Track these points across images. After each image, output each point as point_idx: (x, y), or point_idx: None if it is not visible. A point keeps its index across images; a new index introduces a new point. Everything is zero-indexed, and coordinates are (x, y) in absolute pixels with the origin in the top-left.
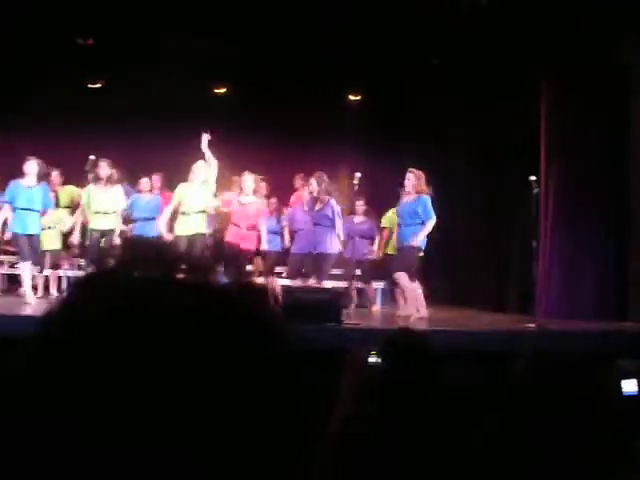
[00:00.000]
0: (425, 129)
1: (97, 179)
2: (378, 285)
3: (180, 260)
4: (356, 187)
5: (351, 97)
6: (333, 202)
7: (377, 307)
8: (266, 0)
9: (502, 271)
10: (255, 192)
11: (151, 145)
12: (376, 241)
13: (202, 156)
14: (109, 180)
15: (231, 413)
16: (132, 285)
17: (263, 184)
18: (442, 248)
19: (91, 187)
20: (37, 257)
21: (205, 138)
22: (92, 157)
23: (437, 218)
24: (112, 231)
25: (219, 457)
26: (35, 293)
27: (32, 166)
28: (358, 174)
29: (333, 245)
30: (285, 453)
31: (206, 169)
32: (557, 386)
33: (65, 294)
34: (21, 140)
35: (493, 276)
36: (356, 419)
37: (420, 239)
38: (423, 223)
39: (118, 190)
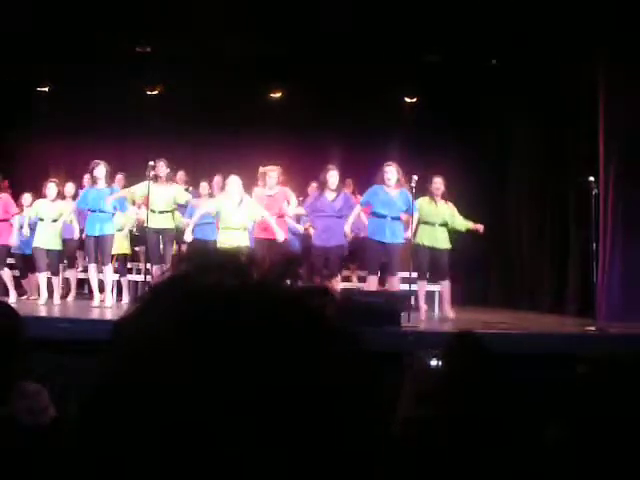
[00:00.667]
0: (485, 130)
1: (156, 178)
2: (437, 288)
3: (252, 266)
4: (413, 189)
5: (407, 99)
6: None
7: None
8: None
9: (561, 273)
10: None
11: (210, 149)
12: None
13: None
14: (168, 179)
15: (320, 419)
16: (207, 292)
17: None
18: (499, 249)
19: (150, 185)
20: (106, 259)
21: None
22: (151, 162)
23: (496, 220)
24: (169, 230)
25: (307, 465)
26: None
27: (101, 170)
28: (415, 176)
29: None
30: (369, 456)
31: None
32: (622, 390)
33: (138, 300)
34: (85, 145)
35: (551, 278)
36: (417, 422)
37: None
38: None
39: (176, 189)
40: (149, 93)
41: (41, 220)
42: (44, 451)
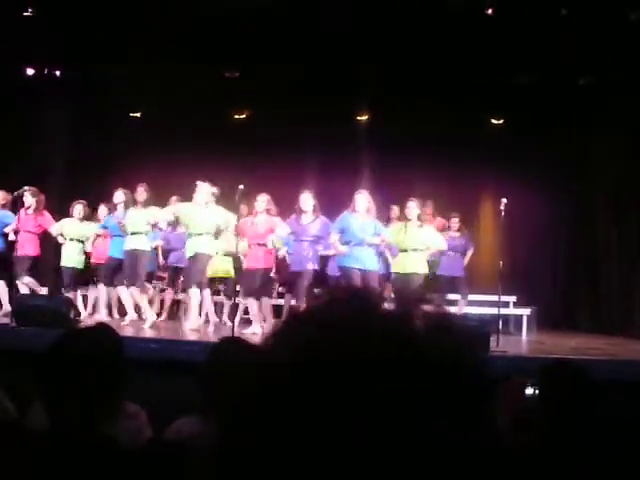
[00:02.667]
0: (569, 153)
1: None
2: (524, 312)
3: (379, 301)
4: (502, 212)
5: (493, 121)
6: None
7: None
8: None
9: None
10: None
11: (296, 174)
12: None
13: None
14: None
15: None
16: (344, 319)
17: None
18: (586, 273)
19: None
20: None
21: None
22: (241, 187)
23: (583, 244)
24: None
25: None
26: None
27: (119, 195)
28: (504, 200)
29: None
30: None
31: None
32: None
33: (282, 324)
34: (175, 168)
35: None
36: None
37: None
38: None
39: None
40: (237, 117)
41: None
42: (141, 472)
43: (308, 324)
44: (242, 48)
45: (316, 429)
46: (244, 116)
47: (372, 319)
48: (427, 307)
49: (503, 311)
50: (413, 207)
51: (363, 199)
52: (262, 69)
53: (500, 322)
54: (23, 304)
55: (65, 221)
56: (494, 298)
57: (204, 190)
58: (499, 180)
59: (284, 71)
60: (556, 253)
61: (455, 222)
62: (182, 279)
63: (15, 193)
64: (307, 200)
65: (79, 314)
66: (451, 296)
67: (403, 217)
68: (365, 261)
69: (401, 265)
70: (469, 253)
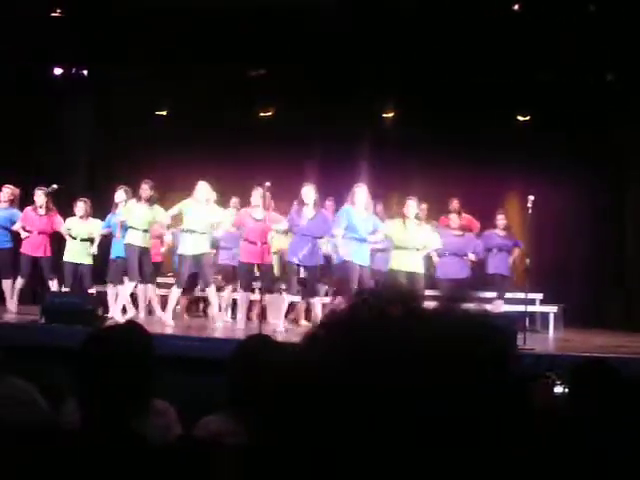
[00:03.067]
0: (597, 150)
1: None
2: (552, 309)
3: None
4: (529, 210)
5: (520, 117)
6: None
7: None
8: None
9: None
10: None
11: (324, 170)
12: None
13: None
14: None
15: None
16: (384, 320)
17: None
18: (615, 270)
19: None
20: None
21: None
22: (268, 184)
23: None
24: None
25: None
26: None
27: (120, 194)
28: (531, 197)
29: None
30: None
31: None
32: None
33: (321, 325)
34: (202, 167)
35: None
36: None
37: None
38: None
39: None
40: (262, 115)
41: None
42: (170, 469)
43: (348, 325)
44: (268, 47)
45: (349, 432)
46: (270, 114)
47: (414, 322)
48: (466, 305)
49: (530, 309)
50: (412, 205)
51: (363, 193)
52: (287, 67)
53: (527, 320)
54: (52, 302)
55: (71, 220)
56: (521, 295)
57: (204, 189)
58: (526, 177)
59: (308, 69)
60: (584, 250)
61: (501, 220)
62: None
63: (48, 189)
64: (309, 193)
65: (107, 311)
66: (486, 294)
67: (402, 214)
68: (364, 257)
69: (400, 263)
70: (516, 252)
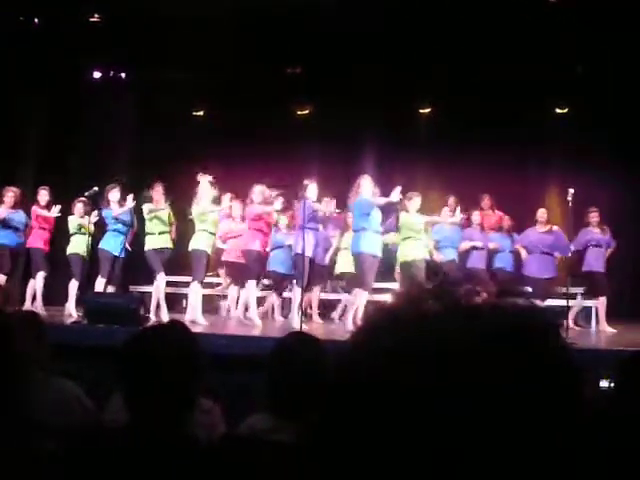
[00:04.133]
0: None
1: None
2: (593, 303)
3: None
4: (570, 203)
5: (558, 110)
6: None
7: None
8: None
9: None
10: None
11: (355, 168)
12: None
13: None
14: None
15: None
16: (432, 317)
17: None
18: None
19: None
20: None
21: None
22: (306, 182)
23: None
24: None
25: None
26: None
27: (114, 194)
28: (571, 190)
29: None
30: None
31: None
32: None
33: (368, 321)
34: (242, 166)
35: None
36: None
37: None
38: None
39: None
40: (299, 113)
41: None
42: (218, 466)
43: (398, 322)
44: (304, 45)
45: (398, 431)
46: (307, 112)
47: (459, 318)
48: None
49: (571, 303)
50: (417, 200)
51: (369, 183)
52: (324, 65)
53: (569, 314)
54: (94, 302)
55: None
56: (562, 290)
57: (207, 186)
58: (566, 170)
59: (345, 67)
60: (626, 244)
61: (594, 217)
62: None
63: (86, 193)
64: (314, 189)
65: (148, 311)
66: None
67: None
68: (378, 248)
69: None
70: (610, 249)
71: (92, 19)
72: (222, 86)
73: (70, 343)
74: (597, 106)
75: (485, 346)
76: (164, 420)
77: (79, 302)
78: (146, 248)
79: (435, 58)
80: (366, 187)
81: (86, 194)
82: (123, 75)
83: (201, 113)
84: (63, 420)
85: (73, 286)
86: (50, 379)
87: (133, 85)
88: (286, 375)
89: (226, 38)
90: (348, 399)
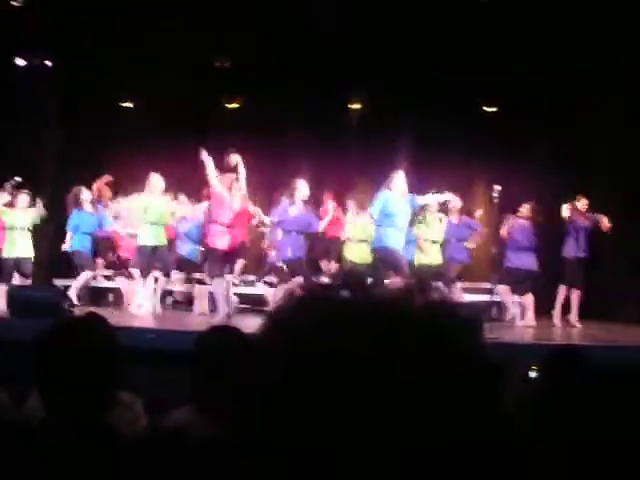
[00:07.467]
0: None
1: None
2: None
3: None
4: (495, 200)
5: (485, 108)
6: None
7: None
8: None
9: None
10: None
11: (286, 161)
12: None
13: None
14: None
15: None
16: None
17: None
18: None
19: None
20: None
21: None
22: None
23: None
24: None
25: None
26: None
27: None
28: (497, 187)
29: None
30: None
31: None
32: None
33: (278, 313)
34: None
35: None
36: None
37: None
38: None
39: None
40: (228, 106)
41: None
42: (142, 460)
43: (305, 314)
44: (232, 38)
45: (316, 420)
46: (236, 105)
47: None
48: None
49: (496, 298)
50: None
51: (401, 179)
52: (253, 58)
53: (494, 309)
54: (16, 296)
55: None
56: (487, 285)
57: (158, 181)
58: (492, 167)
59: (274, 59)
60: (549, 239)
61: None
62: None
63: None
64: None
65: (73, 305)
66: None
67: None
68: (399, 245)
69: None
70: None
71: (13, 2)
72: (150, 78)
73: None
74: (526, 103)
75: (389, 341)
76: (81, 415)
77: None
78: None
79: (369, 56)
80: (399, 183)
81: (7, 184)
82: (49, 63)
83: (129, 104)
84: None
85: None
86: None
87: (58, 74)
88: (209, 368)
89: (155, 28)
90: (266, 391)
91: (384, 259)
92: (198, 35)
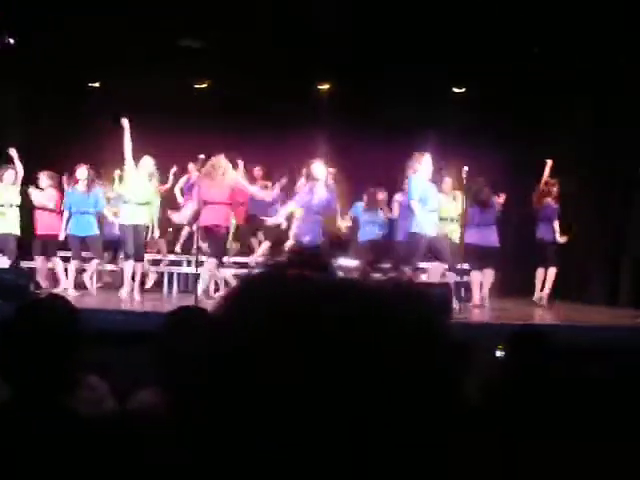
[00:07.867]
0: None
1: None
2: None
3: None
4: (464, 180)
5: (455, 89)
6: None
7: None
8: None
9: (614, 265)
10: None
11: (254, 141)
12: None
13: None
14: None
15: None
16: (300, 285)
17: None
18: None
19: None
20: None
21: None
22: (202, 156)
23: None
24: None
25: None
26: None
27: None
28: (466, 167)
29: None
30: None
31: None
32: None
33: (232, 293)
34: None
35: (605, 270)
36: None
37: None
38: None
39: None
40: (197, 87)
41: None
42: (107, 441)
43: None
44: (203, 18)
45: (271, 399)
46: (205, 85)
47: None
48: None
49: (464, 279)
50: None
51: (429, 162)
52: (224, 38)
53: (463, 290)
54: None
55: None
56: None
57: (148, 163)
58: (461, 149)
59: (246, 39)
60: (513, 221)
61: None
62: None
63: None
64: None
65: (39, 287)
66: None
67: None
68: (432, 228)
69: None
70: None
71: None
72: (119, 57)
73: None
74: (491, 86)
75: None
76: (44, 396)
77: None
78: None
79: (339, 37)
80: (427, 167)
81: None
82: (11, 41)
83: (97, 85)
84: None
85: None
86: None
87: (23, 52)
88: (174, 349)
89: (121, 8)
90: (221, 368)
91: (431, 247)
92: (166, 15)
